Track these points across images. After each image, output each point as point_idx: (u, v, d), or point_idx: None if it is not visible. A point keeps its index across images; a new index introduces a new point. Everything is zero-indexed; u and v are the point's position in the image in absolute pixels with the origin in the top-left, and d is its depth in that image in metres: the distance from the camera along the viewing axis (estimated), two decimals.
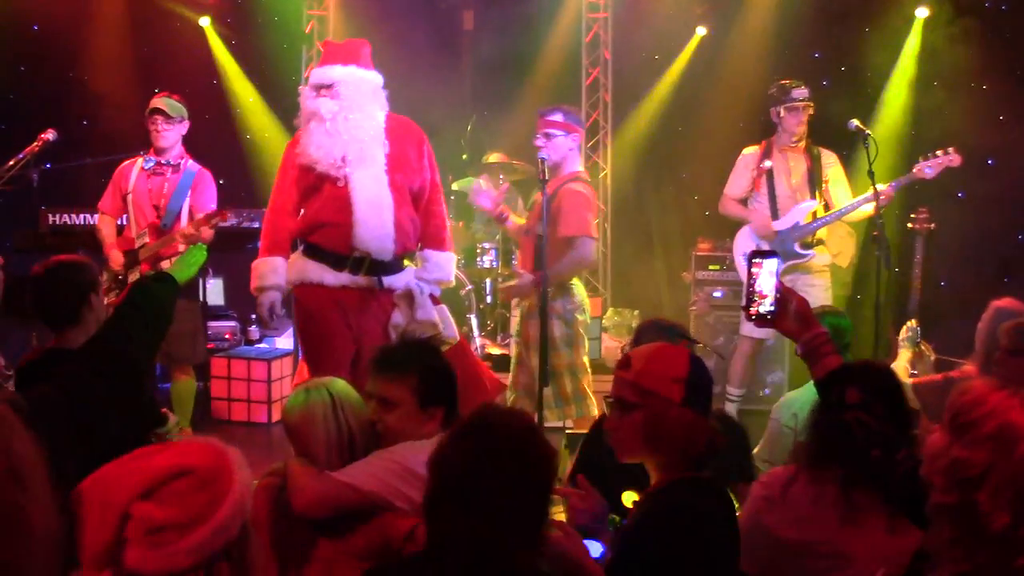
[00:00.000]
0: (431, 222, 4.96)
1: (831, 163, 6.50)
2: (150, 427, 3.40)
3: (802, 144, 6.50)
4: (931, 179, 6.03)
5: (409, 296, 4.82)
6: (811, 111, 6.47)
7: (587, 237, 5.37)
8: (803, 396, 4.36)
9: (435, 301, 4.97)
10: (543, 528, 2.20)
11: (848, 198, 6.39)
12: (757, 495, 2.73)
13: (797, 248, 6.38)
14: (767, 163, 6.54)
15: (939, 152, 5.98)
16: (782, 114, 6.48)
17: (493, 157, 8.69)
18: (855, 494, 2.54)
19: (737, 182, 6.67)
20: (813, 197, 6.43)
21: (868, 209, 6.09)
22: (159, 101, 6.08)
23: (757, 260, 2.64)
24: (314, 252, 4.76)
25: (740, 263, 6.64)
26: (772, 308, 2.63)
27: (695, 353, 2.66)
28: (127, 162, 6.24)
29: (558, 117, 5.52)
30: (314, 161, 4.67)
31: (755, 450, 4.47)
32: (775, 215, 6.47)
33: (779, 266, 2.63)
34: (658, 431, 2.48)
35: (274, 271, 4.82)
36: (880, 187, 5.76)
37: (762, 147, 6.62)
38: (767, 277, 2.63)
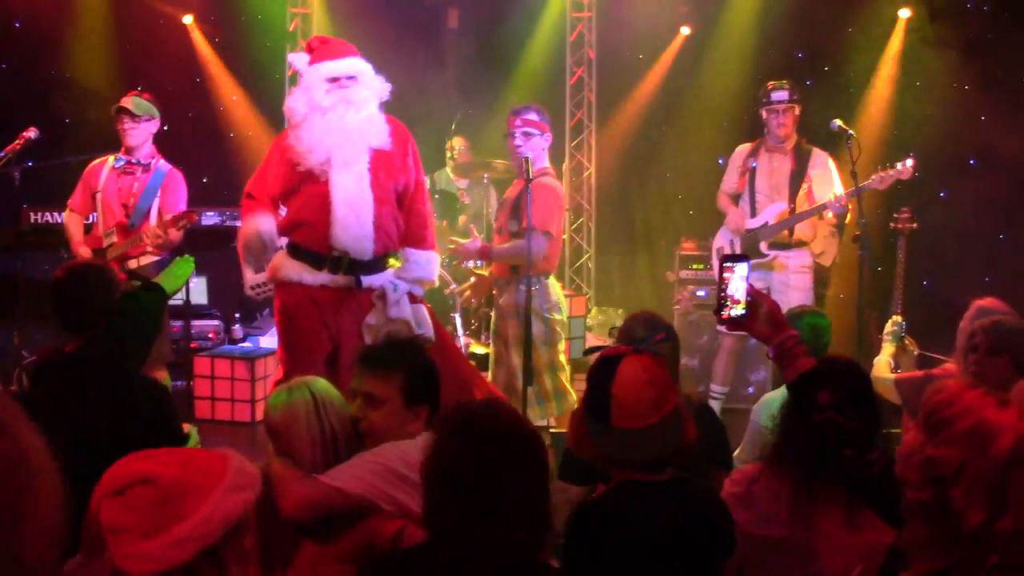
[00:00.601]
0: (413, 221, 4.92)
1: (819, 163, 6.52)
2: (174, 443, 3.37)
3: (789, 145, 6.54)
4: (883, 189, 6.10)
5: (383, 295, 4.78)
6: (796, 112, 6.51)
7: (541, 232, 5.39)
8: (781, 396, 4.35)
9: (416, 300, 4.91)
10: (545, 515, 2.21)
11: (820, 193, 6.43)
12: (727, 492, 2.78)
13: (763, 247, 6.50)
14: (752, 162, 6.61)
15: (898, 164, 6.06)
16: (764, 116, 6.58)
17: (456, 142, 8.76)
18: (813, 490, 2.57)
19: (728, 178, 6.79)
20: (792, 199, 6.47)
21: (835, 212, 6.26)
22: (126, 100, 6.05)
23: (728, 264, 2.66)
24: (294, 251, 4.74)
25: (714, 257, 6.87)
26: (743, 312, 2.64)
27: (660, 354, 2.69)
28: (98, 160, 6.21)
29: (534, 116, 5.55)
30: (304, 153, 4.62)
31: (736, 451, 4.48)
32: (753, 213, 6.57)
33: (749, 270, 2.65)
34: None
35: (260, 217, 4.73)
36: (837, 193, 6.00)
37: (752, 146, 6.72)
38: (738, 281, 2.64)
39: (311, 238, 4.67)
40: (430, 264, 4.97)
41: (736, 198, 6.72)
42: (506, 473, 2.15)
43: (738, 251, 6.40)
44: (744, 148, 6.76)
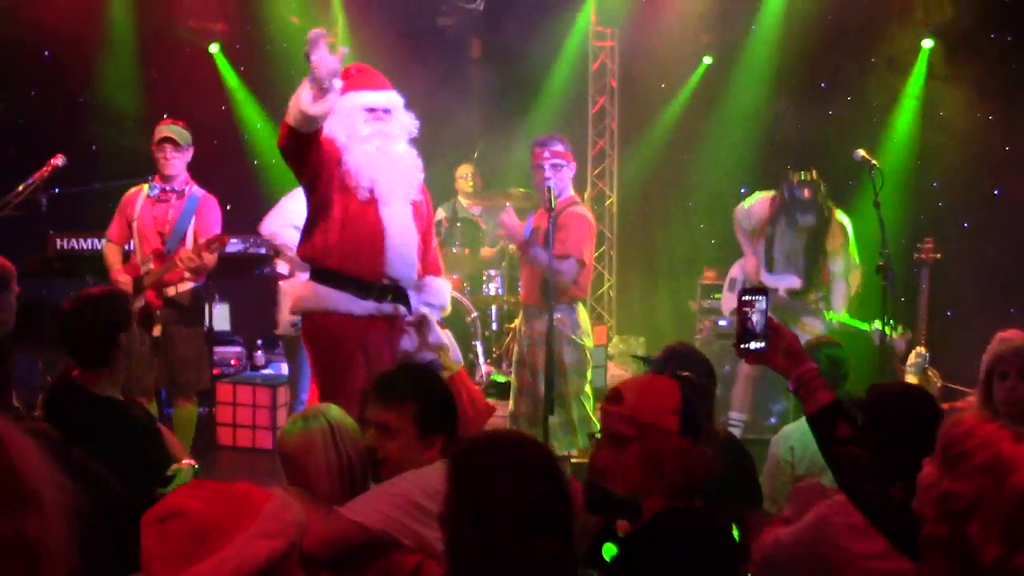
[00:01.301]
0: (429, 250, 4.93)
1: (837, 233, 6.59)
2: (150, 484, 3.32)
3: (809, 222, 6.63)
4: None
5: (421, 321, 4.77)
6: (815, 178, 6.58)
7: (575, 259, 5.43)
8: (800, 428, 4.34)
9: (441, 326, 4.95)
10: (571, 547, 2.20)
11: (842, 270, 6.57)
12: (837, 522, 2.75)
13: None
14: (770, 229, 6.70)
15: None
16: (785, 194, 6.63)
17: (463, 170, 8.80)
18: None
19: (746, 221, 6.86)
20: (806, 272, 6.59)
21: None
22: (168, 129, 6.10)
23: (747, 297, 2.65)
24: (335, 279, 4.56)
25: (727, 283, 7.05)
26: (763, 345, 2.64)
27: (683, 381, 2.68)
28: (133, 190, 6.26)
29: (560, 147, 5.56)
30: (363, 184, 4.52)
31: None
32: (768, 267, 6.70)
33: (768, 303, 2.65)
34: (656, 463, 2.49)
35: None
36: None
37: (771, 211, 6.73)
38: (758, 314, 2.64)
39: (362, 266, 4.53)
40: (447, 291, 4.96)
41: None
42: (535, 494, 2.12)
43: None
44: (763, 205, 6.78)
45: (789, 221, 6.61)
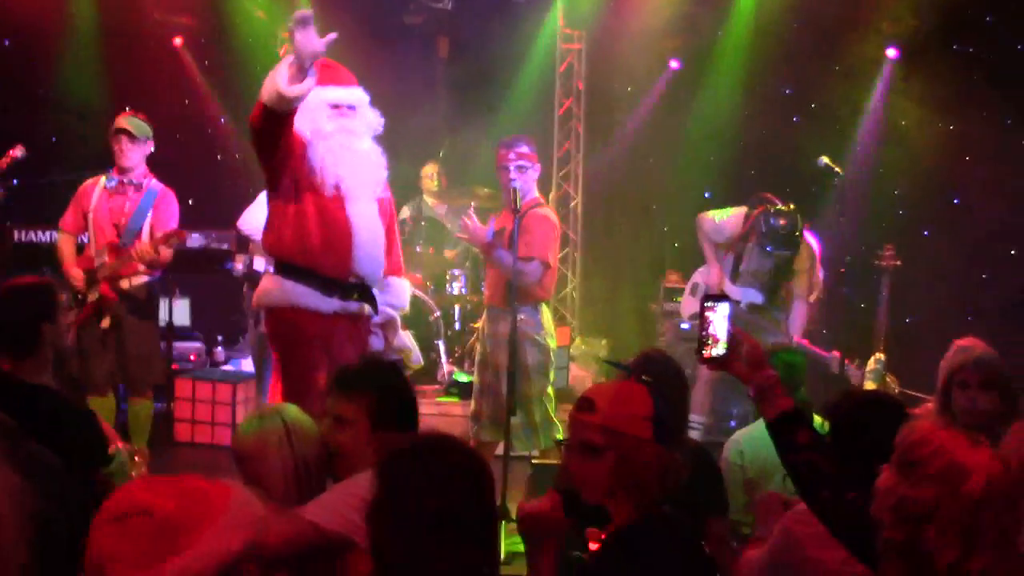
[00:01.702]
0: (392, 249, 4.88)
1: (803, 256, 6.58)
2: (94, 466, 3.29)
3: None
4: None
5: (388, 323, 4.75)
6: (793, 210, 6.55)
7: (541, 261, 5.43)
8: (749, 433, 4.40)
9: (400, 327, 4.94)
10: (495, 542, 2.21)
11: (804, 290, 6.56)
12: (803, 533, 2.76)
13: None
14: (741, 246, 6.67)
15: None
16: (760, 222, 6.52)
17: (428, 169, 8.80)
18: None
19: (717, 235, 6.79)
20: (770, 293, 6.59)
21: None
22: (124, 121, 6.05)
23: (710, 304, 2.65)
24: (301, 275, 4.52)
25: (688, 286, 6.98)
26: (724, 351, 2.64)
27: (650, 386, 2.66)
28: (90, 180, 6.19)
29: (526, 149, 5.56)
30: (328, 182, 4.48)
31: None
32: (733, 277, 6.68)
33: (731, 310, 2.65)
34: (631, 471, 2.47)
35: None
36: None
37: (744, 229, 6.67)
38: (720, 320, 2.64)
39: (330, 263, 4.50)
40: (406, 292, 4.95)
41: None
42: (459, 502, 2.12)
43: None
44: (736, 225, 6.71)
45: (761, 250, 6.56)
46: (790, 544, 2.83)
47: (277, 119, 4.22)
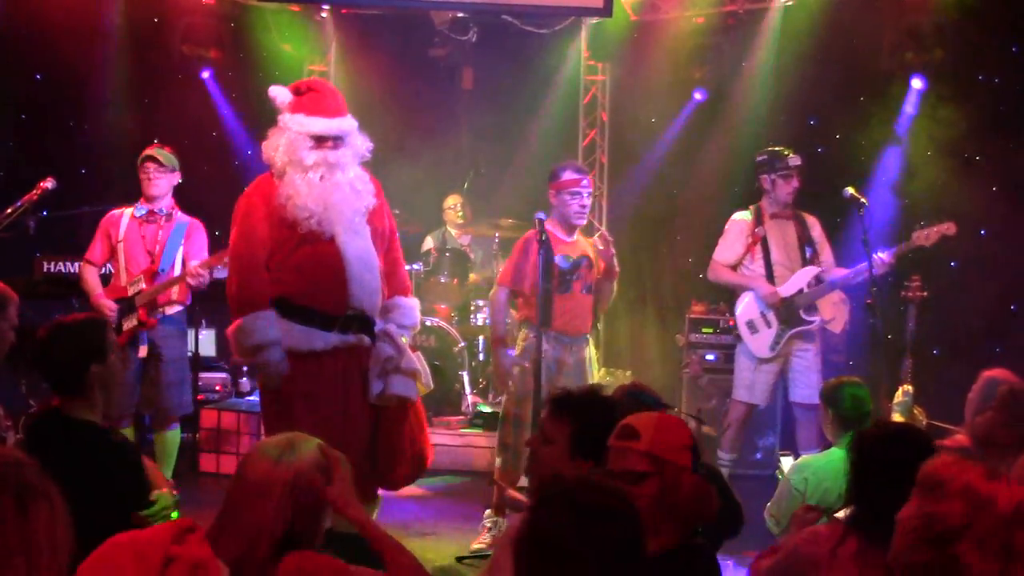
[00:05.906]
0: (397, 271, 4.88)
1: (818, 226, 6.53)
2: (130, 509, 3.28)
3: (788, 210, 6.51)
4: (929, 246, 6.03)
5: (397, 348, 4.69)
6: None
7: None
8: (818, 462, 4.45)
9: (413, 349, 4.89)
10: None
11: (831, 260, 6.41)
12: (803, 553, 2.76)
13: (803, 314, 6.32)
14: (760, 230, 6.49)
15: (936, 223, 5.99)
16: (775, 181, 6.44)
17: (451, 200, 8.84)
18: None
19: (731, 248, 6.57)
20: (806, 262, 6.42)
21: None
22: (152, 150, 6.12)
23: None
24: (298, 314, 4.51)
25: (744, 330, 6.47)
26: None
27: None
28: (115, 211, 6.23)
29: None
30: (302, 216, 4.45)
31: (768, 504, 4.57)
32: (770, 281, 6.41)
33: None
34: (673, 499, 2.50)
35: (269, 324, 4.43)
36: (881, 255, 5.81)
37: (754, 213, 6.57)
38: None
39: (325, 299, 4.50)
40: (416, 310, 4.96)
41: (734, 267, 6.57)
42: (607, 548, 2.03)
43: (773, 321, 6.31)
44: (743, 217, 6.58)
45: (773, 211, 6.45)
46: (794, 564, 2.81)
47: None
